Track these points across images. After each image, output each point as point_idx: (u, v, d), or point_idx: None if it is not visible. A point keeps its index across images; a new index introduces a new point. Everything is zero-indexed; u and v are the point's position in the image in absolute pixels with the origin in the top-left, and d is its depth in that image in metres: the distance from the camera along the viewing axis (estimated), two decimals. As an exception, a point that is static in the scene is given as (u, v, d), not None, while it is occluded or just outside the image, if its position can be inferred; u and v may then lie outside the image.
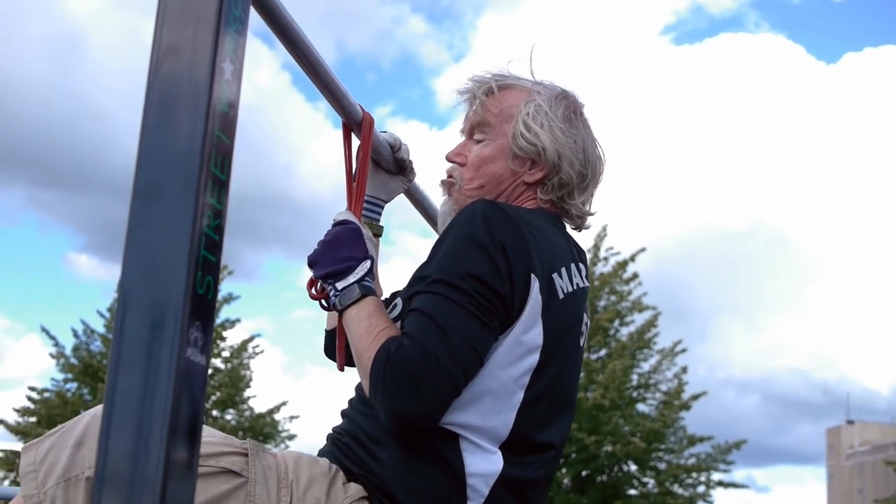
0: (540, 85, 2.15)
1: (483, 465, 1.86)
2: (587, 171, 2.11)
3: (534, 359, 1.90)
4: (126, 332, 1.09)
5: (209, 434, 1.89)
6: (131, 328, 1.09)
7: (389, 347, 1.78)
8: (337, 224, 2.03)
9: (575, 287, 2.02)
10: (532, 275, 1.88)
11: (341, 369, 2.07)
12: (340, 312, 1.94)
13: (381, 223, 2.24)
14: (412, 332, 1.81)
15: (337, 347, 2.09)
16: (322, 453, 2.02)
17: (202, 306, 1.13)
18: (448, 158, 2.18)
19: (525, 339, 1.89)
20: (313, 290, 2.06)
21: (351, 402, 2.06)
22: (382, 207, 2.25)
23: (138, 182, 1.13)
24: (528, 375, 1.90)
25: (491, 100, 2.13)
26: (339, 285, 1.94)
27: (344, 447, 1.97)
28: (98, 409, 1.78)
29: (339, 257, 1.96)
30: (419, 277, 1.92)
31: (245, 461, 1.82)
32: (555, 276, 1.95)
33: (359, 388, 2.02)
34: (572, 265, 2.04)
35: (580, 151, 2.10)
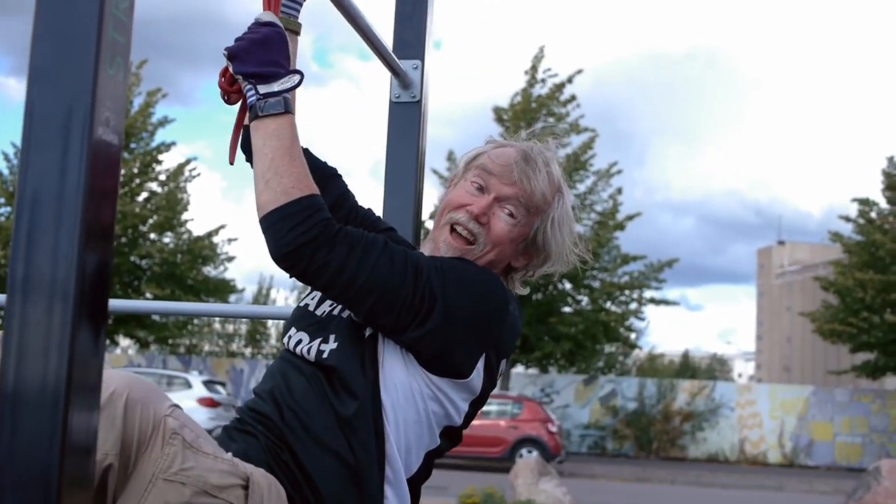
0: (562, 180, 2.16)
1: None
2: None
3: (457, 420, 2.04)
4: (37, 111, 1.11)
5: (217, 450, 1.82)
6: (42, 106, 1.10)
7: (325, 212, 1.86)
8: (263, 24, 1.93)
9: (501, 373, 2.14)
10: (486, 353, 2.01)
11: (231, 162, 2.07)
12: (257, 117, 1.89)
13: (299, 20, 2.21)
14: (360, 240, 1.89)
15: (232, 140, 2.06)
16: (250, 447, 1.95)
17: (112, 86, 1.14)
18: (474, 214, 2.07)
19: (458, 404, 2.01)
20: (222, 80, 1.97)
21: (295, 393, 2.00)
22: (301, 4, 2.21)
23: (43, -39, 1.13)
24: (446, 429, 2.04)
25: (538, 180, 2.08)
26: (262, 89, 1.88)
27: (286, 470, 1.93)
28: None
29: (268, 60, 1.89)
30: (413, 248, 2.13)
31: (245, 496, 1.80)
32: (502, 363, 2.08)
33: (305, 391, 1.98)
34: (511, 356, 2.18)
35: (565, 254, 2.17)
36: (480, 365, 2.00)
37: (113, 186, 1.15)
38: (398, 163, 2.59)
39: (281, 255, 1.84)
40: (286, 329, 2.11)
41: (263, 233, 1.86)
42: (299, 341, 2.02)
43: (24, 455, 1.07)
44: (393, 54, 2.52)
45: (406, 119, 2.61)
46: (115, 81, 1.14)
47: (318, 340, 1.99)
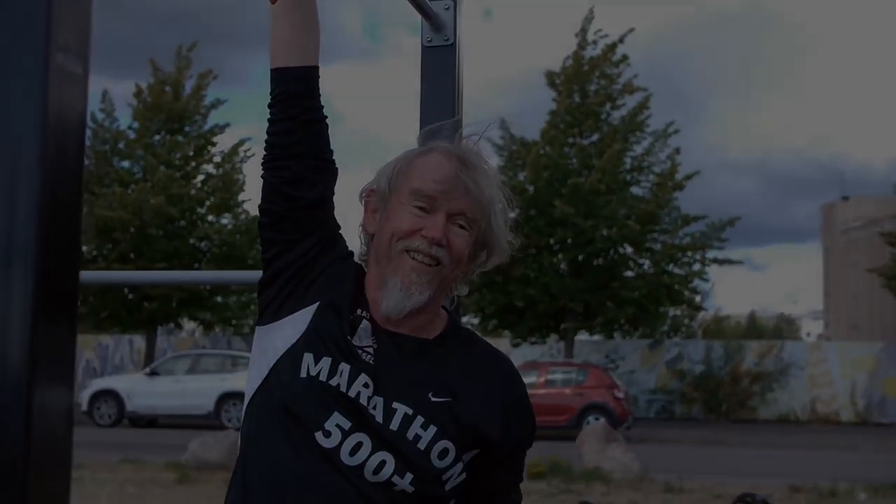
0: (497, 172, 2.04)
1: None
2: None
3: None
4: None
5: None
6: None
7: None
8: None
9: None
10: None
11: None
12: None
13: None
14: None
15: None
16: None
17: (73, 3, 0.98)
18: (436, 239, 1.89)
19: None
20: None
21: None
22: None
23: None
24: None
25: (484, 183, 1.94)
26: None
27: None
28: None
29: None
30: None
31: None
32: None
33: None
34: None
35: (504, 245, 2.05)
36: None
37: (79, 121, 0.99)
38: (434, 113, 2.41)
39: None
40: (319, 406, 1.85)
41: None
42: (359, 444, 1.83)
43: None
44: (423, -5, 2.36)
45: (440, 64, 2.44)
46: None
47: (390, 459, 1.83)
